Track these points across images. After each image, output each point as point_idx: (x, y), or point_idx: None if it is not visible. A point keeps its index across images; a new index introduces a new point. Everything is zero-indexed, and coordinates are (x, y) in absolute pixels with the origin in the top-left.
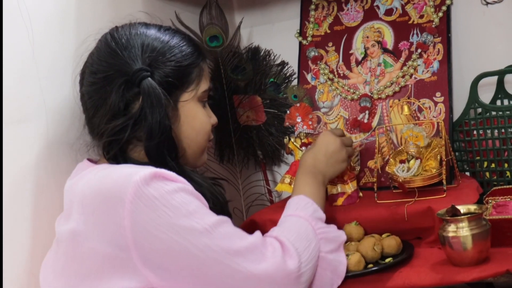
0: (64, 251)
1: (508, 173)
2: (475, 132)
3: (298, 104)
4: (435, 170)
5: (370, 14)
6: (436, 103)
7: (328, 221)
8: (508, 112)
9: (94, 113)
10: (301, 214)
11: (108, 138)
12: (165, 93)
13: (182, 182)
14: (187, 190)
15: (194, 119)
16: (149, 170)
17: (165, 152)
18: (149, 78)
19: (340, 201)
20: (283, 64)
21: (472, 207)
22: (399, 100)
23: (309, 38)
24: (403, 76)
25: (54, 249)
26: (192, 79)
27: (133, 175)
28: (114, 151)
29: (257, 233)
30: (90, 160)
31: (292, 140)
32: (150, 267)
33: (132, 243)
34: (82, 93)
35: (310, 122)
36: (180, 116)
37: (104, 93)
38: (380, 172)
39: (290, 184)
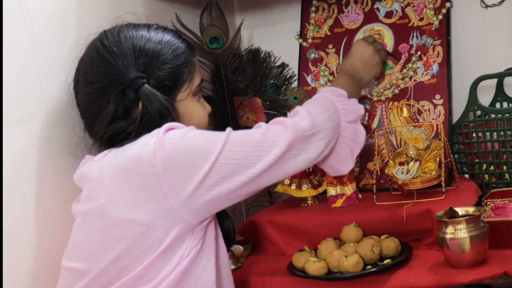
0: (93, 227)
1: (507, 176)
2: (474, 134)
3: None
4: (434, 172)
5: (370, 17)
6: (435, 106)
7: (327, 222)
8: (507, 115)
9: (93, 120)
10: (323, 94)
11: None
12: (165, 96)
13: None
14: (195, 128)
15: (192, 116)
16: (164, 126)
17: None
18: (146, 85)
19: (339, 202)
20: (284, 66)
21: (471, 209)
22: (398, 102)
23: (310, 40)
24: (402, 79)
25: (78, 231)
26: (185, 77)
27: (154, 135)
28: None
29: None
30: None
31: None
32: (188, 208)
33: (167, 187)
34: (79, 101)
35: None
36: (178, 115)
37: (101, 102)
38: (379, 174)
39: (290, 185)
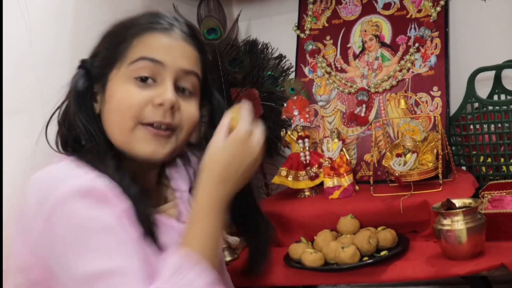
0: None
1: (504, 168)
2: (471, 126)
3: (295, 97)
4: (431, 164)
5: (368, 8)
6: (433, 97)
7: (324, 214)
8: (504, 107)
9: None
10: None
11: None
12: (88, 82)
13: (107, 202)
14: (106, 217)
15: (112, 98)
16: (77, 183)
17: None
18: (79, 68)
19: (336, 194)
20: (281, 57)
21: (468, 201)
22: (396, 94)
23: (307, 32)
24: (400, 70)
25: None
26: (115, 59)
27: (64, 183)
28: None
29: None
30: None
31: (289, 133)
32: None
33: (34, 241)
34: None
35: (307, 115)
36: (105, 98)
37: None
38: (376, 165)
39: (286, 176)
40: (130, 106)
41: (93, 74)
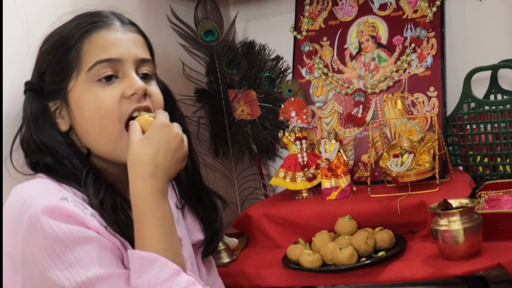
0: None
1: (500, 168)
2: (468, 126)
3: (292, 99)
4: (428, 164)
5: (365, 9)
6: (429, 98)
7: (322, 215)
8: (501, 107)
9: None
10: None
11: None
12: (42, 102)
13: (76, 222)
14: (78, 234)
15: (82, 108)
16: (45, 203)
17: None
18: (27, 92)
19: (333, 195)
20: (278, 58)
21: (465, 201)
22: (392, 95)
23: (304, 33)
24: (397, 71)
25: None
26: (69, 69)
27: (33, 204)
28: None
29: None
30: None
31: (287, 134)
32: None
33: (19, 265)
34: None
35: (304, 117)
36: (72, 111)
37: None
38: (373, 166)
39: (284, 178)
40: (107, 110)
41: (45, 93)
